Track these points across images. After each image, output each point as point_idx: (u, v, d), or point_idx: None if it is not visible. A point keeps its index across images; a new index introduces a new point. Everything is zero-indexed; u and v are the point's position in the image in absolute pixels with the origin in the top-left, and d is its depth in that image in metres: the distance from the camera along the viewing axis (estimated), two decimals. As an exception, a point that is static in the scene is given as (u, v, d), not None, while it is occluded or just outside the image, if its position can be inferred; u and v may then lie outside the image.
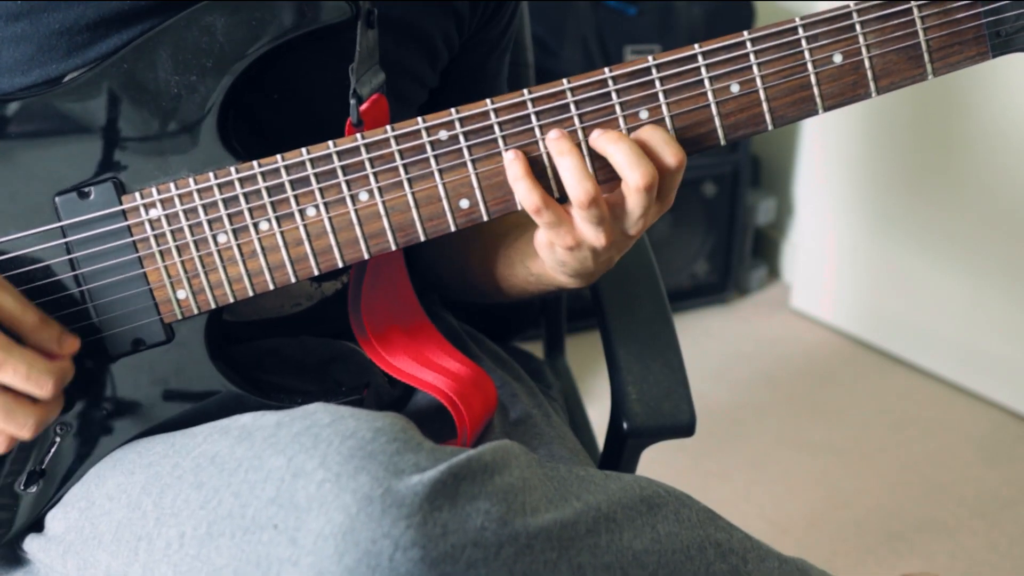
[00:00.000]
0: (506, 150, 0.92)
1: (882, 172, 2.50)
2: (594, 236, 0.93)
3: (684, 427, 1.13)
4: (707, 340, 2.63)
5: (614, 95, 0.92)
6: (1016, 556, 2.03)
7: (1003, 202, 2.26)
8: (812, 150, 2.66)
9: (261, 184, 0.93)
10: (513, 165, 0.92)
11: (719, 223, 2.64)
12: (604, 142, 0.92)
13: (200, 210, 0.93)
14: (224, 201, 0.93)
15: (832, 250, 2.61)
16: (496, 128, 0.92)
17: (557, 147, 0.92)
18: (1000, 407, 2.39)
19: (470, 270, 1.17)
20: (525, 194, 0.92)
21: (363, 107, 0.96)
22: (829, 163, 2.59)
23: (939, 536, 2.07)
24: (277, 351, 1.12)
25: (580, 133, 0.93)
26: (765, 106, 0.93)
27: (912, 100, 2.37)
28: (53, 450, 0.98)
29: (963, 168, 2.31)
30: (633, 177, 0.91)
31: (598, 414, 1.39)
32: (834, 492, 2.18)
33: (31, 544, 1.01)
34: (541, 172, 0.93)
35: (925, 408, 2.41)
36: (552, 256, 0.97)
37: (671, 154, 0.92)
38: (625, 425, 1.12)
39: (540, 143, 0.93)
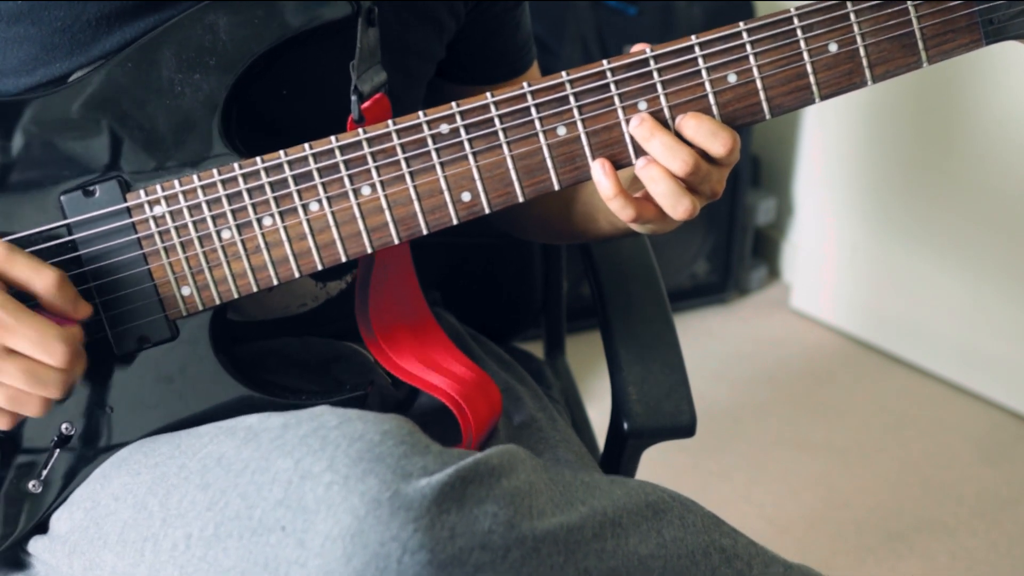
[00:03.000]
0: (592, 160, 0.94)
1: (882, 172, 2.50)
2: (690, 210, 0.95)
3: (685, 427, 1.13)
4: (707, 340, 2.63)
5: (613, 87, 0.93)
6: (1016, 556, 2.02)
7: (1003, 202, 2.26)
8: (812, 150, 2.66)
9: (264, 180, 0.93)
10: (604, 183, 0.94)
11: (719, 223, 2.64)
12: (639, 138, 0.94)
13: (204, 206, 0.94)
14: (227, 197, 0.93)
15: (832, 250, 2.61)
16: (497, 121, 0.93)
17: (647, 175, 0.94)
18: (1000, 407, 2.39)
19: (546, 221, 1.21)
20: (620, 210, 0.94)
21: (365, 105, 0.96)
22: (829, 163, 2.59)
23: (939, 536, 2.07)
24: (280, 351, 1.12)
25: (580, 125, 0.93)
26: (762, 95, 0.94)
27: (912, 100, 2.37)
28: (59, 450, 0.98)
29: (963, 168, 2.31)
30: (675, 167, 0.93)
31: (598, 414, 1.39)
32: (834, 492, 2.18)
33: (36, 545, 1.01)
34: (540, 165, 0.94)
35: (925, 408, 2.41)
36: (643, 228, 1.00)
37: (720, 143, 0.94)
38: (626, 425, 1.12)
39: (540, 136, 0.94)
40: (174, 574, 0.87)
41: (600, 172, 0.94)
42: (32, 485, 0.98)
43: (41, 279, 0.88)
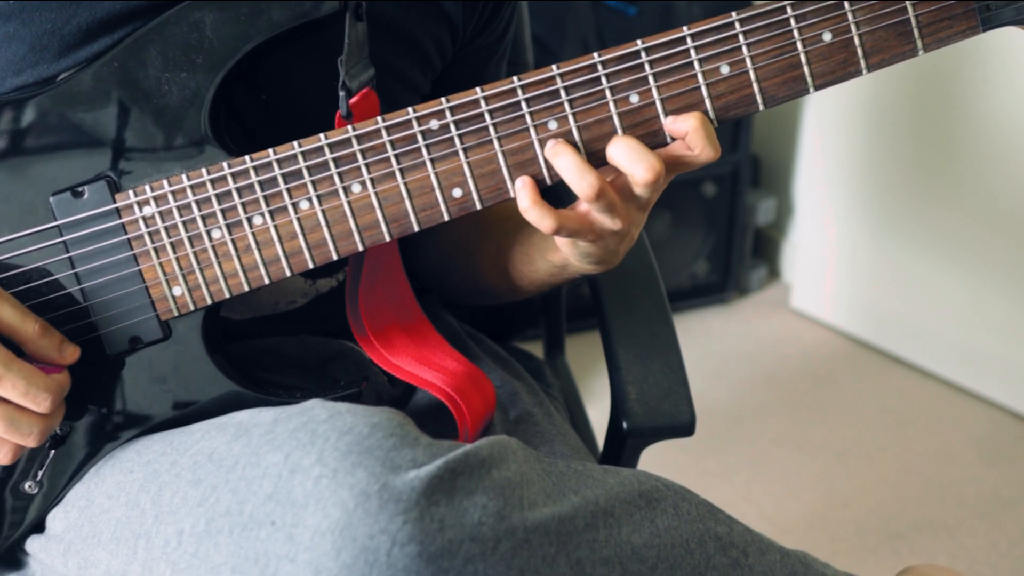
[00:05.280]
0: (516, 179, 0.93)
1: (882, 172, 2.50)
2: (611, 223, 0.93)
3: (684, 427, 1.13)
4: (707, 340, 2.63)
5: (604, 79, 0.92)
6: (1016, 556, 2.02)
7: (1003, 202, 2.26)
8: (812, 150, 2.65)
9: (254, 179, 0.93)
10: (522, 194, 0.92)
11: (719, 223, 2.64)
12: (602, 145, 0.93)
13: (194, 206, 0.93)
14: (217, 196, 0.93)
15: (832, 250, 2.61)
16: (487, 116, 0.92)
17: (552, 152, 0.92)
18: (1000, 407, 2.39)
19: (481, 273, 1.17)
20: (539, 220, 0.92)
21: (353, 100, 0.95)
22: (829, 163, 2.59)
23: (939, 536, 2.07)
24: (275, 350, 1.12)
25: (571, 119, 0.93)
26: (755, 87, 0.93)
27: (913, 100, 2.37)
28: (54, 451, 0.98)
29: (963, 168, 2.31)
30: (638, 172, 0.91)
31: (598, 414, 1.39)
32: (834, 492, 2.18)
33: (32, 544, 1.01)
34: (532, 160, 0.94)
35: (925, 408, 2.41)
36: (575, 251, 0.98)
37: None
38: (625, 425, 1.12)
39: (531, 130, 0.93)
40: (166, 571, 0.88)
41: (520, 184, 0.93)
42: (28, 486, 0.98)
43: (26, 327, 0.90)
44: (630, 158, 0.91)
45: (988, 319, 2.36)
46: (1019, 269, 2.28)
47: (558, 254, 1.02)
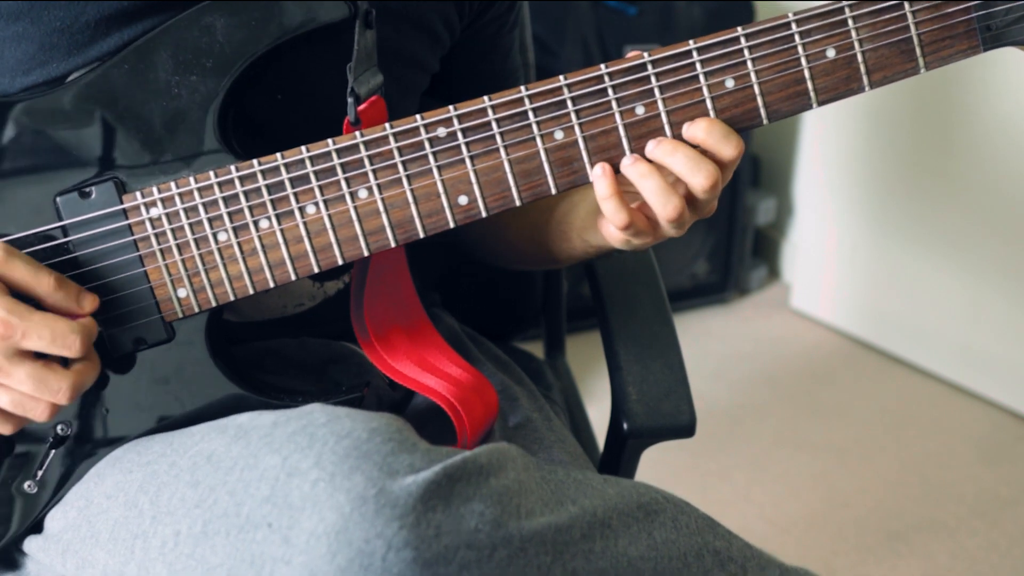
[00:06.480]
0: (590, 163, 0.94)
1: (882, 172, 2.50)
2: (676, 232, 0.96)
3: (684, 427, 1.13)
4: (707, 340, 2.63)
5: (610, 91, 0.93)
6: (1016, 556, 2.03)
7: (1003, 202, 2.26)
8: (812, 150, 2.66)
9: (261, 182, 0.93)
10: (601, 183, 0.93)
11: (719, 223, 2.64)
12: (661, 154, 0.93)
13: (200, 208, 0.93)
14: (224, 199, 0.93)
15: (832, 250, 2.61)
16: (494, 125, 0.93)
17: (636, 171, 0.93)
18: (1000, 407, 2.39)
19: (516, 245, 1.20)
20: (614, 213, 0.94)
21: (361, 107, 0.96)
22: (829, 163, 2.59)
23: (939, 536, 2.07)
24: (277, 351, 1.12)
25: (577, 129, 0.93)
26: (760, 100, 0.94)
27: (912, 101, 2.37)
28: (54, 451, 0.98)
29: (963, 168, 2.31)
30: (697, 181, 0.92)
31: (598, 414, 1.39)
32: (834, 492, 2.18)
33: (30, 545, 1.01)
34: (537, 168, 0.94)
35: (925, 408, 2.41)
36: (627, 245, 0.99)
37: (732, 146, 0.93)
38: (625, 425, 1.12)
39: (538, 139, 0.93)
40: (163, 571, 0.88)
41: (600, 172, 0.94)
42: (28, 486, 0.98)
43: (40, 282, 0.89)
44: (689, 167, 0.93)
45: (988, 319, 2.36)
46: (1019, 269, 2.29)
47: (596, 235, 1.03)
